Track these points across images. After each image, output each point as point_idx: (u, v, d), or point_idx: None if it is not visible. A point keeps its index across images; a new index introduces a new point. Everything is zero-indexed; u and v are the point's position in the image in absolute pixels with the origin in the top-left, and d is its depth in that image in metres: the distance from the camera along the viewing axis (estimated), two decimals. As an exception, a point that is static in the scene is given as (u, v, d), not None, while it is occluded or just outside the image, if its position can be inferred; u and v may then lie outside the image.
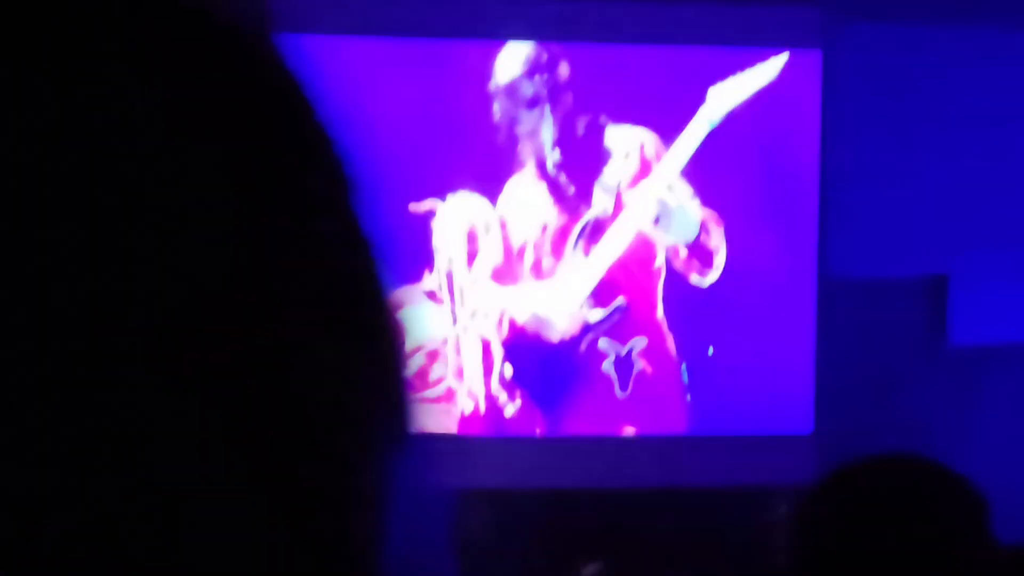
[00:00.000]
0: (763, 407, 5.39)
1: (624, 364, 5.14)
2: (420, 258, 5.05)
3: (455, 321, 5.05)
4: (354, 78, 4.91)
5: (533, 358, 5.09)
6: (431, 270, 5.05)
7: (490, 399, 5.07)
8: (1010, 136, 5.69)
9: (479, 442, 5.04)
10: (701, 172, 5.17)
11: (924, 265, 5.64)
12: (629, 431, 5.20)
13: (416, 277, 5.04)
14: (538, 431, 5.13)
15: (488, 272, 5.04)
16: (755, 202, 5.28)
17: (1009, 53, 5.70)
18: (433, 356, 5.04)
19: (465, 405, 5.05)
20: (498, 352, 5.07)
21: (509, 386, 5.09)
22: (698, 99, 5.14)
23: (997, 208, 5.66)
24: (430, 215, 4.99)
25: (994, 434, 5.48)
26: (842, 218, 5.45)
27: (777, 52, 5.23)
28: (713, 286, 5.23)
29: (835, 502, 1.43)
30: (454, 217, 5.01)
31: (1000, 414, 5.58)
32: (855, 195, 5.50)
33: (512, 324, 5.05)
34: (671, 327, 5.17)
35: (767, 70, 5.12)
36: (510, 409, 5.09)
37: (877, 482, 1.43)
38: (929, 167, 5.62)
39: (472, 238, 5.03)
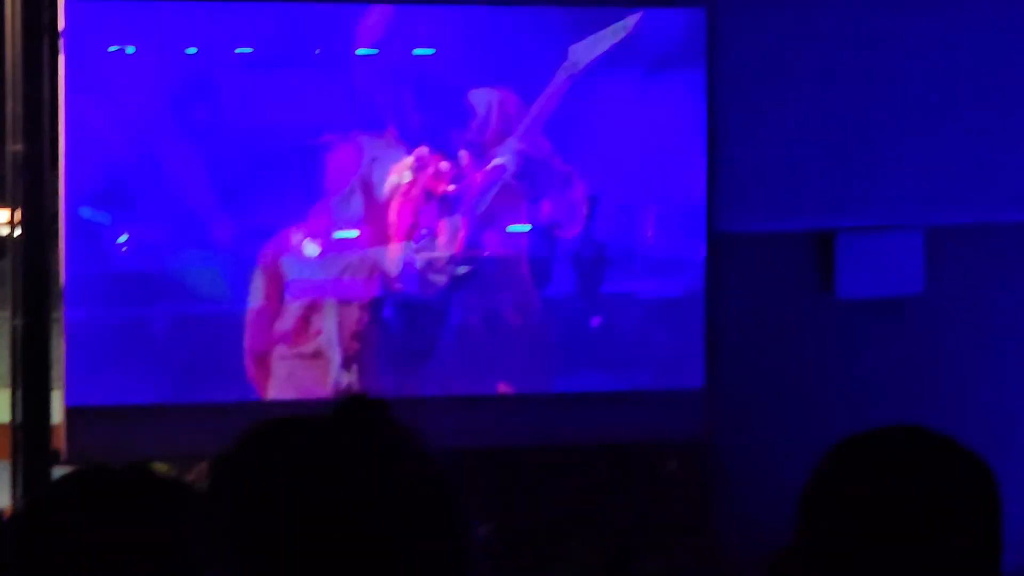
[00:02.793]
0: (653, 362, 5.45)
1: (492, 319, 5.23)
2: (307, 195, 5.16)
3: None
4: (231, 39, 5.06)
5: (401, 314, 5.19)
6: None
7: (357, 357, 5.18)
8: (896, 93, 5.71)
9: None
10: (567, 129, 5.25)
11: (812, 220, 5.68)
12: (503, 388, 5.29)
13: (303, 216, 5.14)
14: (408, 390, 5.23)
15: (355, 232, 5.15)
16: (642, 158, 5.36)
17: (899, 10, 5.73)
18: (313, 307, 5.14)
19: (336, 361, 5.16)
20: (363, 309, 5.18)
21: (375, 344, 5.20)
22: (561, 58, 5.23)
23: (882, 165, 5.69)
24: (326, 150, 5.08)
25: (880, 384, 5.52)
26: (731, 174, 5.50)
27: (656, 9, 5.30)
28: (600, 241, 5.31)
29: (841, 477, 1.46)
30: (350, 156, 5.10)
31: (885, 364, 5.62)
32: (744, 151, 5.55)
33: (381, 280, 5.15)
34: (538, 282, 5.26)
35: (624, 26, 5.19)
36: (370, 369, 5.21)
37: (883, 455, 1.46)
38: (817, 124, 5.66)
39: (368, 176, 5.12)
